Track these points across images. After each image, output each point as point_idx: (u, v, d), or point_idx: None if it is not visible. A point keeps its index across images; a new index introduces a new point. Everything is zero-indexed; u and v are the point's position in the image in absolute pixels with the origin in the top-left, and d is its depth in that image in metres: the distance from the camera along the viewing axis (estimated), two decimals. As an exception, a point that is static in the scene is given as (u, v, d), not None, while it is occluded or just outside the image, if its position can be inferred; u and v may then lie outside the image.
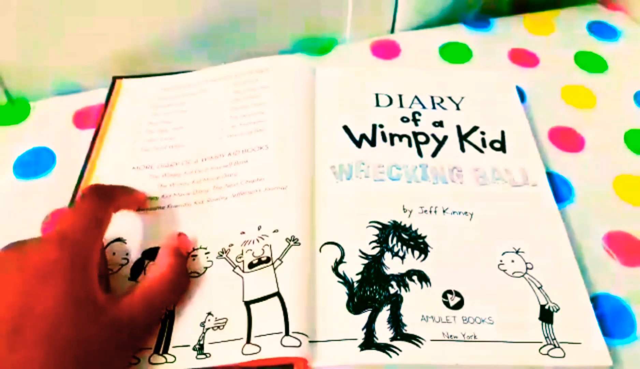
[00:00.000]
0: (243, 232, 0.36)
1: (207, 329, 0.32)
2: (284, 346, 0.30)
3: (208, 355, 0.31)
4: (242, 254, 0.35)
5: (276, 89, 0.44)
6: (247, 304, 0.32)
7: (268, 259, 0.34)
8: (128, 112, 0.45)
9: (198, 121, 0.43)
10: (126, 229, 0.36)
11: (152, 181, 0.40)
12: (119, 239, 0.36)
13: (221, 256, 0.35)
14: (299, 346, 0.30)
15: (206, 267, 0.34)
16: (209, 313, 0.32)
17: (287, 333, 0.31)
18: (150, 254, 0.35)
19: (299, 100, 0.44)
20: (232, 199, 0.38)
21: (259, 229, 0.36)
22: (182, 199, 0.38)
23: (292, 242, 0.35)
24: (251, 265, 0.34)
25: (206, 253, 0.35)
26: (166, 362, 0.31)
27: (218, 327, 0.32)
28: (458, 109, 0.45)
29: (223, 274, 0.34)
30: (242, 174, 0.39)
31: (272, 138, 0.41)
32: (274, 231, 0.35)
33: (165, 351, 0.31)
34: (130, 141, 0.42)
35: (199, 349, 0.31)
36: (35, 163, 0.42)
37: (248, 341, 0.31)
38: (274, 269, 0.34)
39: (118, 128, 0.43)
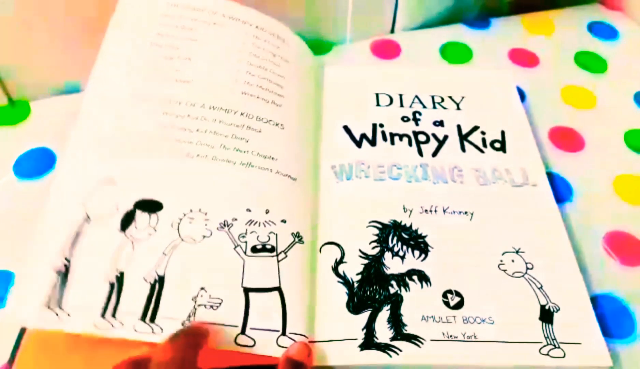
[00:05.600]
0: (249, 210, 0.34)
1: (199, 305, 0.30)
2: (279, 345, 0.30)
3: None
4: (245, 233, 0.33)
5: (296, 69, 0.42)
6: (246, 291, 0.31)
7: (273, 249, 0.33)
8: (128, 26, 0.39)
9: (210, 57, 0.39)
10: (118, 169, 0.33)
11: (152, 117, 0.36)
12: (109, 181, 0.33)
13: (222, 228, 0.33)
14: None
15: (204, 236, 0.32)
16: (202, 289, 0.31)
17: (283, 333, 0.31)
18: (142, 205, 0.32)
19: (311, 92, 0.44)
20: (240, 168, 0.35)
21: (266, 212, 0.34)
22: (184, 148, 0.35)
23: (296, 239, 0.34)
24: (254, 249, 0.33)
25: (205, 220, 0.33)
26: (152, 332, 0.29)
27: (211, 306, 0.30)
28: (458, 108, 0.45)
29: (222, 249, 0.32)
30: (254, 144, 0.36)
31: (288, 119, 0.39)
32: (282, 221, 0.34)
33: (152, 320, 0.29)
34: (130, 63, 0.37)
35: None
36: (35, 163, 0.42)
37: (243, 332, 0.30)
38: (278, 261, 0.33)
39: (116, 42, 0.38)
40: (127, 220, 0.32)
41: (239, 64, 0.39)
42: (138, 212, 0.32)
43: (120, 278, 0.30)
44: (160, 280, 0.31)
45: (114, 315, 0.29)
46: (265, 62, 0.40)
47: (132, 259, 0.31)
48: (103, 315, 0.29)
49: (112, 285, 0.30)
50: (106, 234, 0.32)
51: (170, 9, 0.40)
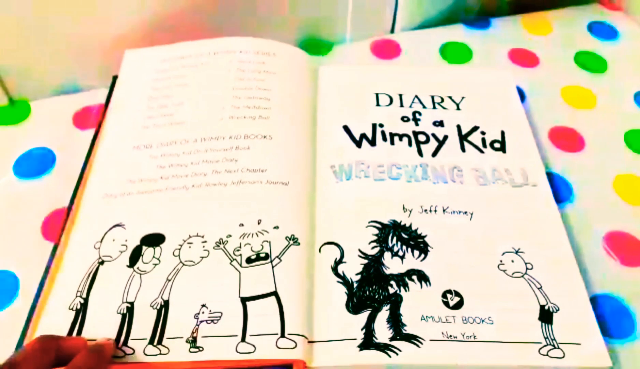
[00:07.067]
0: (242, 225, 0.35)
1: (201, 322, 0.32)
2: (278, 348, 0.30)
3: (201, 349, 0.31)
4: (240, 247, 0.34)
5: (283, 78, 0.44)
6: (244, 300, 0.32)
7: (267, 256, 0.34)
8: (128, 87, 0.44)
9: (198, 96, 0.42)
10: (125, 214, 0.36)
11: (152, 161, 0.39)
12: (118, 225, 0.36)
13: (218, 246, 0.34)
14: (294, 347, 0.30)
15: (202, 257, 0.34)
16: (204, 305, 0.32)
17: (282, 335, 0.31)
18: (147, 240, 0.35)
19: (303, 95, 0.44)
20: (232, 187, 0.37)
21: (259, 223, 0.35)
22: (180, 182, 0.38)
23: (291, 241, 0.35)
24: (249, 260, 0.34)
25: (203, 242, 0.35)
26: (160, 354, 0.31)
27: (212, 321, 0.32)
28: (458, 108, 0.45)
29: (219, 266, 0.34)
30: (243, 161, 0.38)
31: (276, 129, 0.40)
32: (275, 228, 0.35)
33: (160, 342, 0.31)
34: (131, 118, 0.41)
35: (192, 342, 0.31)
36: (35, 163, 0.42)
37: (243, 340, 0.31)
38: (273, 267, 0.33)
39: (119, 104, 0.42)
40: (135, 256, 0.34)
41: (225, 92, 0.42)
42: (144, 248, 0.35)
43: (130, 309, 0.32)
44: (166, 304, 0.33)
45: (125, 343, 0.31)
46: (250, 81, 0.43)
47: (140, 291, 0.33)
48: (116, 345, 0.31)
49: (123, 316, 0.32)
50: (117, 271, 0.34)
51: (163, 63, 0.45)
